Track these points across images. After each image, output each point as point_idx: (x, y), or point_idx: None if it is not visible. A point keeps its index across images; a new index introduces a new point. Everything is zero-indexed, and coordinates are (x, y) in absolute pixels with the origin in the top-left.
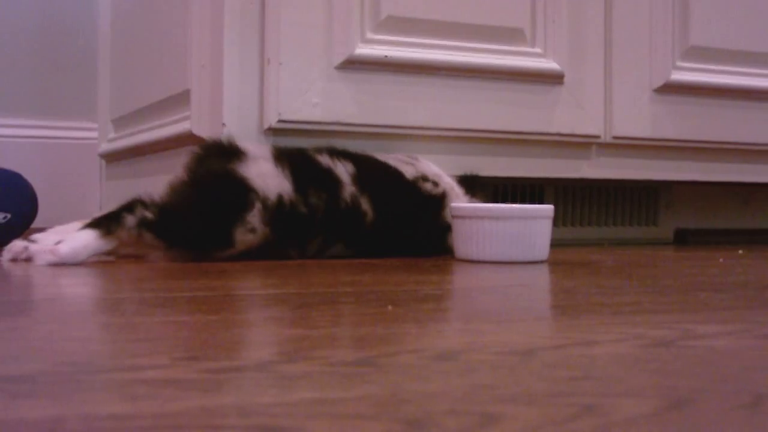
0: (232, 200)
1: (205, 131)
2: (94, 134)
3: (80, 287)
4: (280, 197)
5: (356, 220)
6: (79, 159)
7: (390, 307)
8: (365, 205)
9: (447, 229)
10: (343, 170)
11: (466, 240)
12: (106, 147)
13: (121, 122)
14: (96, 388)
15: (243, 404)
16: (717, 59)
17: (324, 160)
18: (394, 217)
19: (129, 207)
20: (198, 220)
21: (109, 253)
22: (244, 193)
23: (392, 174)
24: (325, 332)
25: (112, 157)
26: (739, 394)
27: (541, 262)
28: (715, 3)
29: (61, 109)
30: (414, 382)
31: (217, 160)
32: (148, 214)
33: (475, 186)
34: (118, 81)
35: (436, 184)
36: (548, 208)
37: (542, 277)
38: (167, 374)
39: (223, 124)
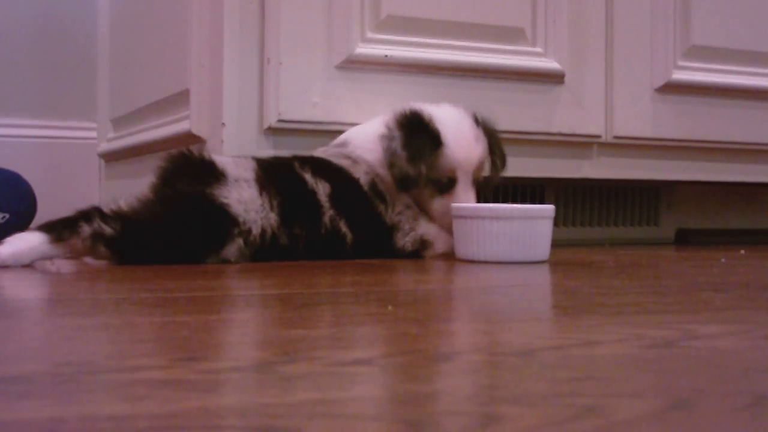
0: (211, 234)
1: (205, 131)
2: (94, 134)
3: (78, 287)
4: (263, 232)
5: (338, 244)
6: (78, 159)
7: (390, 308)
8: (344, 227)
9: (405, 253)
10: (322, 191)
11: (466, 240)
12: (105, 147)
13: (120, 122)
14: (95, 388)
15: (243, 405)
16: (718, 58)
17: (309, 179)
18: (366, 232)
19: (87, 216)
20: (167, 248)
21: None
22: (224, 225)
23: (355, 186)
24: (325, 332)
25: (112, 157)
26: (740, 394)
27: (542, 262)
28: (717, 2)
29: (61, 109)
30: (414, 383)
31: (189, 181)
32: (107, 229)
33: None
34: (117, 80)
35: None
36: (549, 208)
37: (543, 277)
38: (166, 375)
39: (223, 124)
